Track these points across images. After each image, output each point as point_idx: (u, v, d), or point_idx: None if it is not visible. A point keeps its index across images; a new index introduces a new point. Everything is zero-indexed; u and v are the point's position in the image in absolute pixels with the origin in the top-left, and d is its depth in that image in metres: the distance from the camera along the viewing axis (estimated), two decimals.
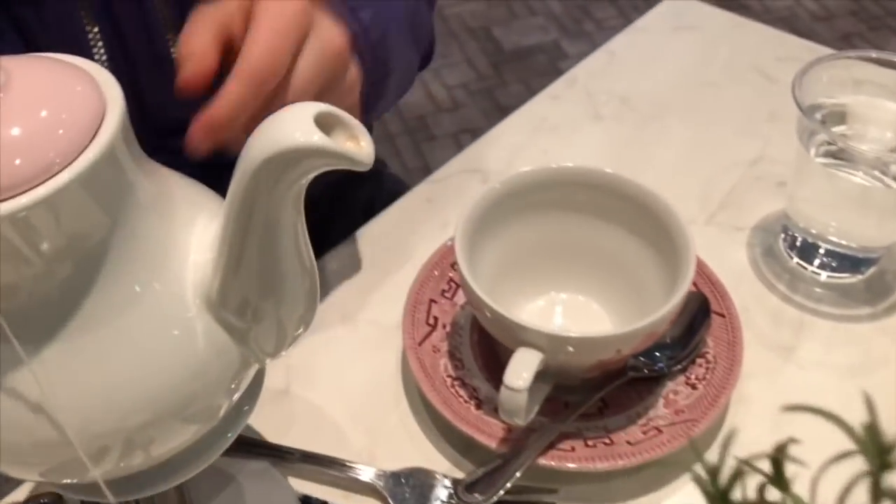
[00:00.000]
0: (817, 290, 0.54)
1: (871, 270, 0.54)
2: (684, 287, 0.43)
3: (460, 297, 0.51)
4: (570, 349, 0.42)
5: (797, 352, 0.51)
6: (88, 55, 0.46)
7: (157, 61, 0.49)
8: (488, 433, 0.44)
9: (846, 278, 0.54)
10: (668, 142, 0.65)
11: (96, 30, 0.48)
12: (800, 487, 0.23)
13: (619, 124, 0.66)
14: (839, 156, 0.51)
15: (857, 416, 0.47)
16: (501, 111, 2.01)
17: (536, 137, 0.65)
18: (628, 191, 0.48)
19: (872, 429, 0.17)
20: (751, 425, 0.47)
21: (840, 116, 0.53)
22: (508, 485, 0.41)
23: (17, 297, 0.27)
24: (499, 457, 0.43)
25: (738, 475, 0.18)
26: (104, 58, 0.48)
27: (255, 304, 0.30)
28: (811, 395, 0.48)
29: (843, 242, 0.53)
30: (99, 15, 0.47)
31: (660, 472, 0.44)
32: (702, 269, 0.51)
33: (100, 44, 0.48)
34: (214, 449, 0.34)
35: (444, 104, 1.92)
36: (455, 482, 0.43)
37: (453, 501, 0.42)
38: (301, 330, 0.33)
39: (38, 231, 0.26)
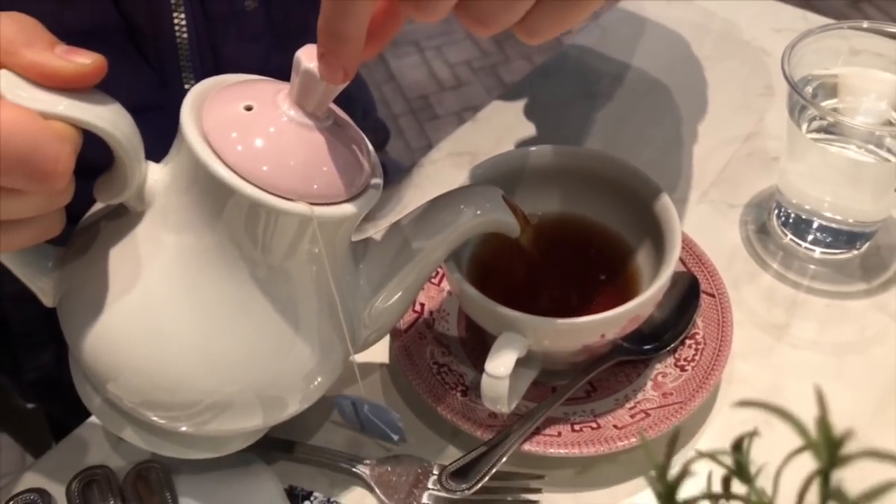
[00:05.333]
0: (811, 267, 0.53)
1: (866, 246, 0.53)
2: (668, 270, 0.42)
3: (447, 283, 0.51)
4: (553, 334, 0.41)
5: (790, 331, 0.50)
6: (168, 10, 0.49)
7: (234, 16, 0.52)
8: (473, 420, 0.44)
9: (840, 254, 0.53)
10: (661, 119, 0.64)
11: None
12: (767, 480, 0.22)
13: (612, 102, 0.65)
14: (831, 130, 0.50)
15: (849, 395, 0.45)
16: (505, 88, 2.00)
17: (527, 117, 0.64)
18: (613, 169, 0.47)
19: (823, 424, 0.17)
20: (742, 407, 0.46)
21: (832, 88, 0.52)
22: (493, 471, 0.41)
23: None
24: (484, 444, 0.42)
25: (684, 474, 0.18)
26: (181, 9, 0.49)
27: (385, 312, 0.41)
28: (804, 374, 0.48)
29: (838, 218, 0.52)
30: None
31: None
32: (691, 248, 0.51)
33: None
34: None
35: (446, 82, 1.91)
36: (441, 469, 0.42)
37: (438, 489, 0.42)
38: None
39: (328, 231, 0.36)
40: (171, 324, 0.35)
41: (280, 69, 0.55)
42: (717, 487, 0.22)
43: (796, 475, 0.20)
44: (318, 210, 0.34)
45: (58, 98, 0.30)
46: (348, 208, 0.35)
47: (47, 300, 0.38)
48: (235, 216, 0.34)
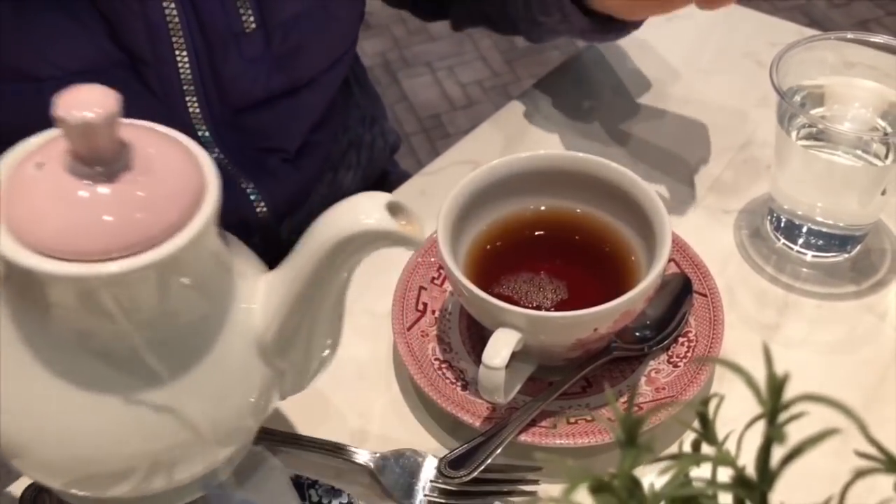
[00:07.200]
0: (803, 270, 0.55)
1: (857, 249, 0.55)
2: (657, 267, 0.44)
3: (449, 284, 0.52)
4: (546, 327, 0.43)
5: (781, 331, 0.52)
6: (165, 33, 0.50)
7: (234, 38, 0.53)
8: (473, 412, 0.45)
9: (832, 257, 0.55)
10: (659, 130, 0.66)
11: (173, 6, 0.50)
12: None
13: (612, 113, 0.67)
14: (820, 137, 0.52)
15: (838, 393, 0.47)
16: None
17: (529, 128, 0.67)
18: (607, 174, 0.49)
19: (770, 375, 0.19)
20: (732, 404, 0.48)
21: (819, 98, 0.54)
22: (489, 460, 0.42)
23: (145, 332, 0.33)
24: (482, 434, 0.44)
25: (640, 421, 0.20)
26: (181, 34, 0.50)
27: (296, 349, 0.36)
28: (794, 373, 0.49)
29: (829, 222, 0.54)
30: None
31: None
32: (684, 250, 0.52)
33: (175, 19, 0.50)
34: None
35: (458, 102, 1.94)
36: (440, 460, 0.44)
37: (438, 478, 0.43)
38: (320, 371, 0.39)
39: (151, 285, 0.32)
40: (36, 410, 0.33)
41: (281, 89, 0.57)
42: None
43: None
44: (104, 267, 0.30)
45: None
46: (156, 254, 0.30)
47: None
48: (27, 289, 0.32)
